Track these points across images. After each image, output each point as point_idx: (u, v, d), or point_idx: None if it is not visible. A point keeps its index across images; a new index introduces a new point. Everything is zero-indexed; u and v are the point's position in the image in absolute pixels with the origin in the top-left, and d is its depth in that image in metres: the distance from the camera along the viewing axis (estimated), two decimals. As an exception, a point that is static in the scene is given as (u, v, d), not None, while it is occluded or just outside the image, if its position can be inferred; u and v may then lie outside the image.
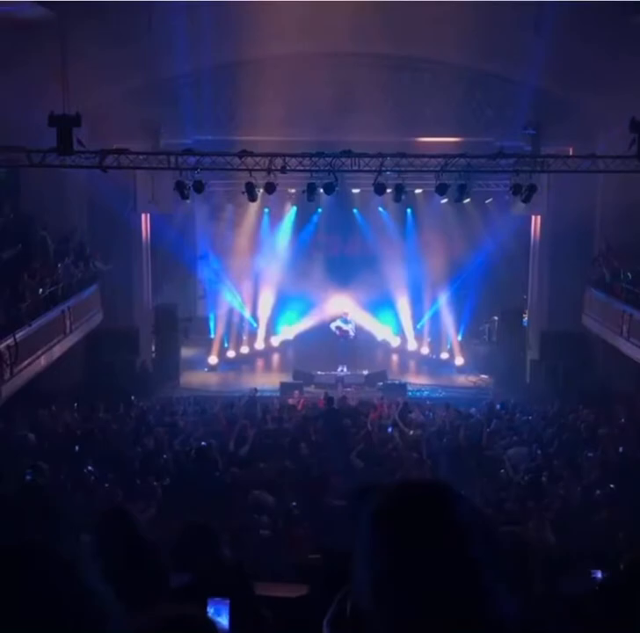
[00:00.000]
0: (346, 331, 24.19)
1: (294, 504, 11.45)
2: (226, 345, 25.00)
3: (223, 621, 3.50)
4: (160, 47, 16.12)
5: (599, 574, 5.81)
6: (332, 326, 24.19)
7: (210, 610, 3.51)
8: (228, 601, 3.55)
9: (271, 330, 25.99)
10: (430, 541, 1.24)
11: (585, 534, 10.79)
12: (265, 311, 25.43)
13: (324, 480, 12.47)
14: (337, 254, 25.06)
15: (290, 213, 24.56)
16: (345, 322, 24.21)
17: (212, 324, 24.94)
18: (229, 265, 24.70)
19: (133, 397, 19.10)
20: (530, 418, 17.66)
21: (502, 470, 13.69)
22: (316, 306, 24.95)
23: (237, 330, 25.23)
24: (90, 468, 12.67)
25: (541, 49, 15.23)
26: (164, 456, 13.81)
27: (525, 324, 23.62)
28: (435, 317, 25.12)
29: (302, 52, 17.57)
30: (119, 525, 4.30)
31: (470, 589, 1.23)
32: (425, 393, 22.10)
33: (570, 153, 17.58)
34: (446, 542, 1.24)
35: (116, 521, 4.36)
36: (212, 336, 24.77)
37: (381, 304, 25.41)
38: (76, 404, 17.29)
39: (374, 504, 1.33)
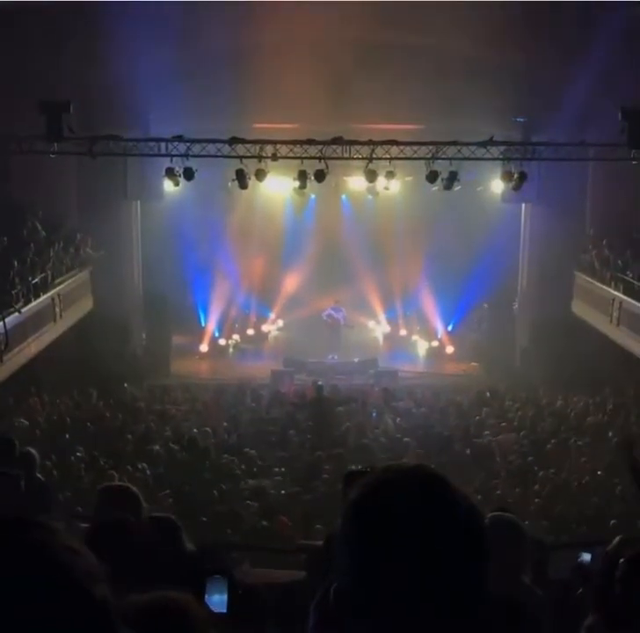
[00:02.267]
0: (337, 319, 24.19)
1: (283, 492, 11.52)
2: (217, 334, 24.97)
3: (222, 599, 3.49)
4: (151, 34, 16.02)
5: (587, 557, 5.85)
6: (323, 314, 24.19)
7: (209, 588, 3.49)
8: (226, 579, 3.53)
9: (262, 317, 26.00)
10: (411, 525, 1.23)
11: (574, 520, 10.88)
12: (256, 298, 25.42)
13: (314, 467, 12.53)
14: (328, 242, 25.03)
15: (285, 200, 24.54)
16: (336, 310, 24.22)
17: (202, 312, 24.88)
18: (220, 252, 24.65)
19: (125, 385, 19.09)
20: (520, 405, 17.73)
21: (492, 457, 13.76)
22: (308, 293, 24.96)
23: (228, 317, 25.19)
24: (78, 454, 12.70)
25: (532, 36, 15.23)
26: (156, 444, 13.82)
27: (515, 312, 23.67)
28: (424, 305, 25.13)
29: (294, 39, 17.50)
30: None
31: (451, 574, 1.22)
32: (416, 380, 22.12)
33: (561, 141, 17.57)
34: (428, 526, 1.23)
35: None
36: (202, 324, 24.73)
37: (371, 292, 25.45)
38: (67, 392, 17.28)
39: (356, 488, 1.32)
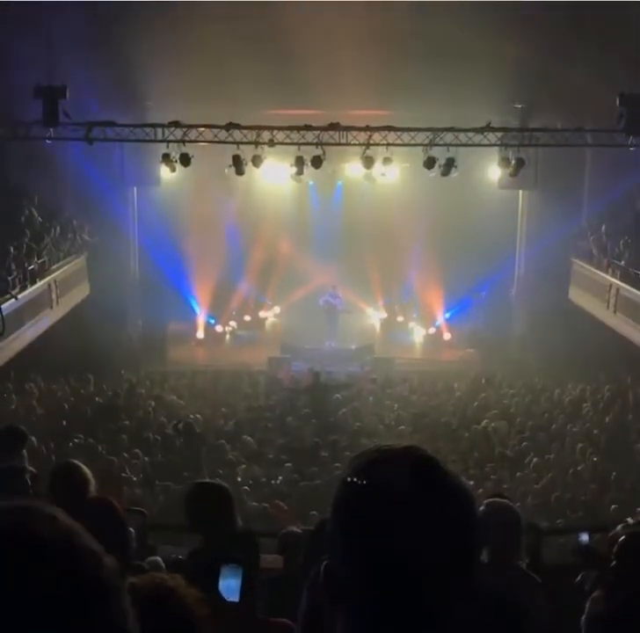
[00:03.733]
0: (334, 306, 24.20)
1: (280, 478, 11.54)
2: (213, 320, 24.95)
3: (235, 588, 3.46)
4: (146, 18, 15.94)
5: (585, 537, 5.88)
6: (320, 300, 24.19)
7: (223, 576, 3.47)
8: (240, 568, 3.51)
9: (260, 303, 25.99)
10: (401, 504, 1.22)
11: (569, 506, 10.92)
12: (252, 284, 25.40)
13: (310, 453, 12.56)
14: (326, 226, 25.01)
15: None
16: (333, 296, 24.22)
17: (195, 299, 24.75)
18: (215, 238, 24.59)
19: (123, 371, 19.09)
20: (516, 391, 17.76)
21: (487, 443, 13.80)
22: (305, 280, 24.96)
23: (224, 304, 25.14)
24: (76, 440, 12.72)
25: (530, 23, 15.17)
26: (152, 430, 13.84)
27: (512, 299, 23.69)
28: (421, 292, 25.12)
29: (291, 25, 17.40)
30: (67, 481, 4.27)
31: (441, 553, 1.22)
32: (412, 367, 22.13)
33: (558, 127, 17.53)
34: (418, 505, 1.23)
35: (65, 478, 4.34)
36: (198, 310, 24.69)
37: (368, 279, 25.44)
38: (64, 378, 17.29)
39: (352, 466, 1.32)
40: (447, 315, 24.96)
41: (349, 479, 1.30)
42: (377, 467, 1.29)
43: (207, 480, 4.76)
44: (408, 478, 1.25)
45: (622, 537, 3.78)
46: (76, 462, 4.72)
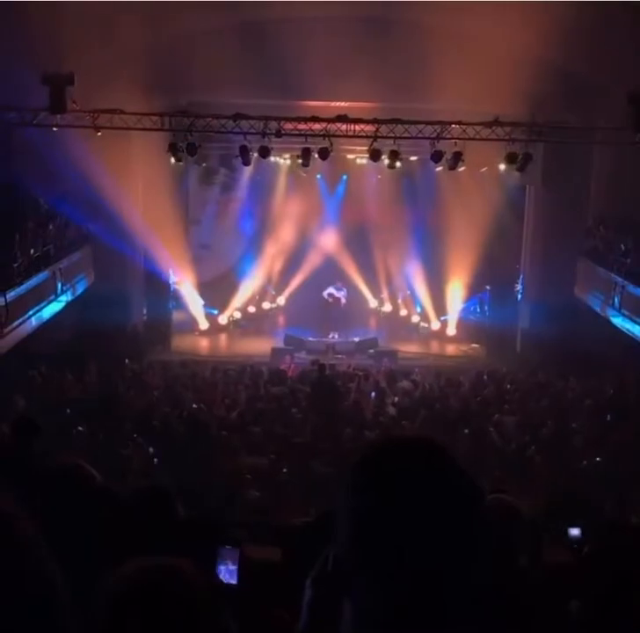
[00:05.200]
0: (338, 299, 24.23)
1: (284, 470, 11.54)
2: (216, 311, 24.94)
3: (233, 570, 3.44)
4: (153, 7, 15.89)
5: (576, 531, 5.88)
6: (324, 293, 24.20)
7: (221, 558, 3.45)
8: (238, 550, 3.49)
9: (263, 294, 26.01)
10: (411, 492, 1.23)
11: (571, 503, 10.90)
12: (257, 275, 25.40)
13: (313, 445, 12.55)
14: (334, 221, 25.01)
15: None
16: (338, 289, 24.24)
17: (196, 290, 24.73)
18: (220, 229, 24.61)
19: (127, 361, 19.10)
20: (519, 386, 17.74)
21: (491, 439, 13.78)
22: (310, 272, 24.95)
23: (228, 294, 25.14)
24: (80, 429, 12.72)
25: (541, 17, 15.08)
26: (155, 419, 13.84)
27: (517, 294, 23.65)
28: (426, 286, 25.07)
29: (298, 16, 17.35)
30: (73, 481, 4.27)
31: (449, 541, 1.23)
32: (416, 361, 22.13)
33: (567, 123, 17.48)
34: (427, 493, 1.24)
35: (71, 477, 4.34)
36: (202, 301, 24.69)
37: (372, 272, 25.44)
38: (68, 366, 17.29)
39: (358, 456, 1.33)
40: (452, 309, 24.92)
41: (360, 468, 1.30)
42: (388, 455, 1.30)
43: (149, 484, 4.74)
44: (419, 466, 1.27)
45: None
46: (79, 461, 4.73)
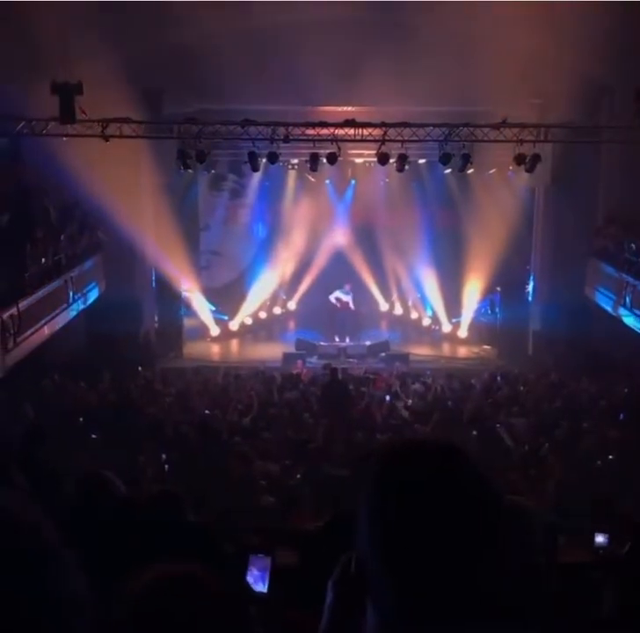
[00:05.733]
0: (346, 303, 24.24)
1: (298, 476, 11.53)
2: (226, 317, 24.97)
3: (263, 578, 3.41)
4: (162, 14, 15.95)
5: (601, 538, 5.84)
6: (332, 297, 24.21)
7: (251, 566, 3.43)
8: (269, 559, 3.46)
9: (274, 299, 26.02)
10: (436, 497, 1.24)
11: (585, 504, 10.86)
12: (267, 281, 25.40)
13: (326, 449, 12.54)
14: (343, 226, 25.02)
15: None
16: (345, 293, 24.24)
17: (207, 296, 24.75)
18: (230, 235, 24.66)
19: (140, 368, 19.16)
20: (532, 388, 17.70)
21: (504, 440, 13.75)
22: (320, 277, 24.96)
23: (238, 300, 25.16)
24: (93, 436, 12.77)
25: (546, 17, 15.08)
26: (168, 426, 13.87)
27: (528, 295, 23.60)
28: (436, 288, 25.02)
29: (305, 20, 17.38)
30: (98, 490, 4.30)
31: (471, 543, 1.24)
32: (427, 364, 22.11)
33: (575, 123, 17.44)
34: (451, 499, 1.25)
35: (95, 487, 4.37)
36: (213, 307, 24.72)
37: (382, 276, 25.44)
38: (80, 375, 17.35)
39: (380, 458, 1.34)
40: (463, 311, 24.87)
41: (383, 471, 1.31)
42: (410, 459, 1.31)
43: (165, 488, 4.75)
44: (441, 469, 1.28)
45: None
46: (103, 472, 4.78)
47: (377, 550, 1.27)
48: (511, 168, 19.47)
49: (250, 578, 3.38)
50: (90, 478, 4.67)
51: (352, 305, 24.28)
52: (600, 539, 5.83)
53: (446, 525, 1.23)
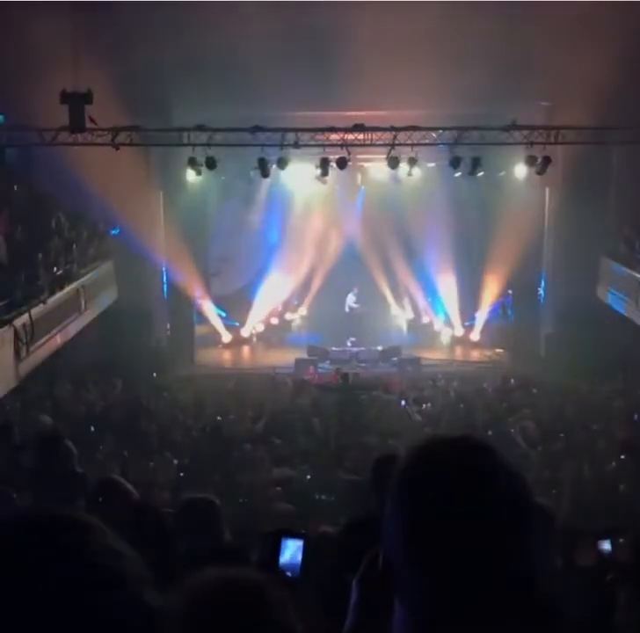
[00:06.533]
0: (356, 308, 24.25)
1: (308, 477, 11.52)
2: (236, 323, 24.97)
3: (296, 563, 3.33)
4: (170, 23, 16.04)
5: (606, 545, 5.81)
6: (346, 304, 24.27)
7: (284, 550, 3.35)
8: (302, 541, 3.38)
9: (285, 305, 26.02)
10: (468, 494, 1.23)
11: (600, 507, 10.81)
12: (278, 287, 25.39)
13: (338, 455, 12.53)
14: (351, 230, 24.99)
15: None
16: (357, 298, 24.25)
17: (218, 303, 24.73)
18: (240, 242, 24.66)
19: (154, 374, 19.20)
20: (545, 391, 17.64)
21: (517, 443, 13.70)
22: (332, 282, 24.94)
23: (249, 307, 25.16)
24: (106, 443, 12.77)
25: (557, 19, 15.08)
26: (180, 433, 13.89)
27: (540, 298, 23.53)
28: (448, 292, 24.96)
29: (313, 25, 17.41)
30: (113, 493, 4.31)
31: (501, 539, 1.22)
32: (440, 368, 22.05)
33: (585, 125, 17.39)
34: (484, 495, 1.24)
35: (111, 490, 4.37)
36: (223, 314, 24.73)
37: (394, 280, 25.41)
38: (93, 382, 17.40)
39: (410, 455, 1.33)
40: (475, 315, 24.80)
41: (413, 467, 1.30)
42: (440, 454, 1.30)
43: (198, 495, 4.73)
44: (468, 466, 1.27)
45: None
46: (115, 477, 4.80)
47: (406, 548, 1.26)
48: (521, 170, 19.43)
49: (282, 564, 3.29)
50: (103, 484, 4.68)
51: (362, 311, 24.28)
52: (604, 546, 5.79)
53: (481, 521, 1.22)
